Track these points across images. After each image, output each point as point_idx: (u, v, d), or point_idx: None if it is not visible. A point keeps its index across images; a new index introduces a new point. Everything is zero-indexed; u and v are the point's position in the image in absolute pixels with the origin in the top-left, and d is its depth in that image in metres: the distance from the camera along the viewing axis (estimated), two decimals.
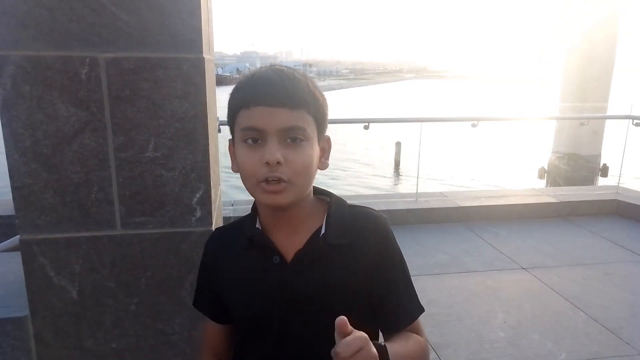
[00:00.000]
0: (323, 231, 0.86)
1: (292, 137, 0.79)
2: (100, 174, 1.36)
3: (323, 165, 0.88)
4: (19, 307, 1.45)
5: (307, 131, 0.80)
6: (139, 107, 1.34)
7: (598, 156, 10.60)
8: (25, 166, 1.31)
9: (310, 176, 0.83)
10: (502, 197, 4.95)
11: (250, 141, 0.79)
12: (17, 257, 1.72)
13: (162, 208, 1.42)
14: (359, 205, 0.93)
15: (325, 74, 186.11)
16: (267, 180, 0.78)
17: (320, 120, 0.83)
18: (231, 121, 0.84)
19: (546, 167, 11.13)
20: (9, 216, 2.87)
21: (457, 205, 4.70)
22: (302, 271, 0.85)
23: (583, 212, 4.64)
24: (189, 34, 1.33)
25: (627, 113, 5.14)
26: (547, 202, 4.79)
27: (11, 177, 1.31)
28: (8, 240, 1.67)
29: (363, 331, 0.86)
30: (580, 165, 10.47)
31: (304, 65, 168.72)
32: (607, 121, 8.74)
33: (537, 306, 3.06)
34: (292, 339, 0.87)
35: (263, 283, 0.87)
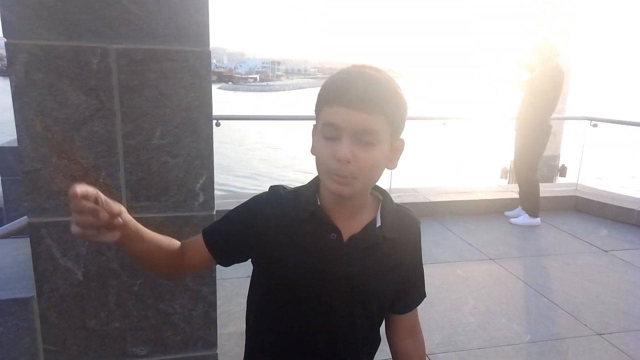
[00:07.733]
0: (379, 223, 0.95)
1: (365, 140, 0.84)
2: (108, 160, 1.42)
3: (392, 165, 0.93)
4: (24, 289, 1.49)
5: (379, 134, 0.85)
6: (147, 97, 1.41)
7: (557, 157, 11.10)
8: (35, 151, 1.36)
9: (375, 175, 0.90)
10: (471, 193, 5.18)
11: (327, 136, 0.86)
12: (14, 242, 1.75)
13: (167, 193, 1.49)
14: (401, 205, 1.03)
15: (293, 72, 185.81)
16: (334, 173, 0.85)
17: (396, 125, 0.88)
18: (317, 112, 0.91)
19: (508, 168, 11.55)
20: None
21: (428, 200, 4.90)
22: (354, 253, 0.93)
23: (545, 207, 4.91)
24: (196, 28, 1.41)
25: (585, 115, 5.48)
26: (511, 198, 5.05)
27: (21, 161, 1.36)
28: (11, 223, 1.69)
29: (382, 317, 1.03)
30: (540, 165, 10.94)
31: (272, 62, 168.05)
32: (565, 123, 9.21)
33: (504, 293, 3.27)
34: (323, 311, 0.94)
35: (316, 254, 0.93)
